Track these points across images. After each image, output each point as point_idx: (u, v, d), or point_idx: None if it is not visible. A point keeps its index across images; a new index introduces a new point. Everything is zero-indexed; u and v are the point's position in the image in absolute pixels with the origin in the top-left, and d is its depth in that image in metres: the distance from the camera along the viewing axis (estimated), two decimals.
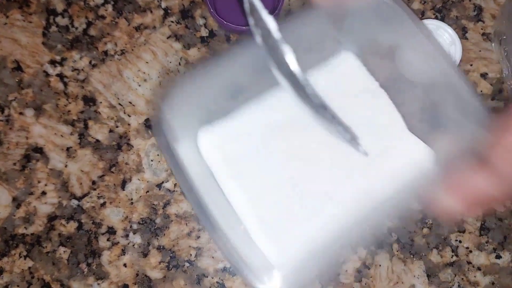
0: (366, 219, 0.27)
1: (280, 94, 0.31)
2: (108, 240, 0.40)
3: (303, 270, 0.24)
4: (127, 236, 0.40)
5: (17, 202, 0.40)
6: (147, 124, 0.42)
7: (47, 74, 0.42)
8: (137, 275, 0.40)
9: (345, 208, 0.28)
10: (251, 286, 0.23)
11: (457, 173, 0.22)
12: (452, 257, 0.41)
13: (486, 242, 0.41)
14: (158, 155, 0.41)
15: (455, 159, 0.23)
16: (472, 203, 0.22)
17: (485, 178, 0.21)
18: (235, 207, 0.28)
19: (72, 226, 0.40)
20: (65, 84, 0.42)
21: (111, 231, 0.40)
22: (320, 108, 0.22)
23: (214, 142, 0.29)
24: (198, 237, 0.40)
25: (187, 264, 0.40)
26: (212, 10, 0.40)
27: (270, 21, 0.20)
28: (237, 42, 0.26)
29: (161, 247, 0.40)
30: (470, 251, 0.41)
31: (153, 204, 0.41)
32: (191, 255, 0.40)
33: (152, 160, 0.41)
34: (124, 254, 0.40)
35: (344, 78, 0.31)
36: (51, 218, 0.40)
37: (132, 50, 0.43)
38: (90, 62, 0.42)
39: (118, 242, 0.40)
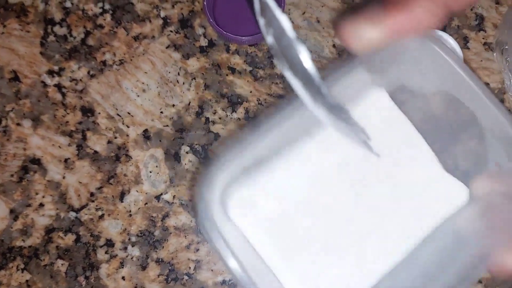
0: (405, 266, 0.27)
1: (307, 148, 0.30)
2: (106, 252, 0.40)
3: None
4: (125, 248, 0.40)
5: (14, 214, 0.40)
6: (146, 135, 0.41)
7: (45, 85, 0.42)
8: None
9: (385, 258, 0.28)
10: None
11: None
12: None
13: None
14: (156, 166, 0.41)
15: (505, 207, 0.23)
16: None
17: None
18: (271, 266, 0.27)
19: (70, 239, 0.40)
20: (63, 95, 0.42)
21: (110, 243, 0.40)
22: (335, 108, 0.21)
23: (246, 211, 0.28)
24: (197, 249, 0.40)
25: (186, 277, 0.40)
26: (211, 20, 0.40)
27: (284, 20, 0.19)
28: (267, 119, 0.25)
29: (160, 260, 0.40)
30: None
31: (152, 216, 0.40)
32: (190, 268, 0.40)
33: (150, 172, 0.41)
34: (122, 267, 0.39)
35: (377, 116, 0.30)
36: (49, 230, 0.40)
37: (131, 60, 0.42)
38: (88, 73, 0.42)
39: (117, 255, 0.40)
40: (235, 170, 0.26)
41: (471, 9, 0.44)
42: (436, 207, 0.30)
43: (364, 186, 0.29)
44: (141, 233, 0.40)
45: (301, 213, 0.28)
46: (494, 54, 0.44)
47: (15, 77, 0.42)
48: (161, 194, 0.41)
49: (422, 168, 0.30)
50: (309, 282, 0.27)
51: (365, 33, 0.19)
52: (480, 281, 0.40)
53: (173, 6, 0.43)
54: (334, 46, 0.43)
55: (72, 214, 0.40)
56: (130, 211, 0.40)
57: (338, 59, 0.43)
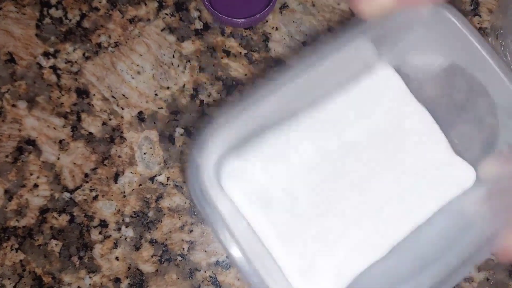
0: (409, 245, 0.26)
1: (308, 122, 0.29)
2: (100, 233, 0.40)
3: None
4: (119, 229, 0.40)
5: (9, 195, 0.40)
6: (140, 117, 0.41)
7: (40, 66, 0.42)
8: (129, 268, 0.39)
9: (384, 236, 0.27)
10: None
11: None
12: None
13: None
14: (151, 148, 0.41)
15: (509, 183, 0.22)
16: None
17: None
18: (265, 242, 0.26)
19: (64, 219, 0.40)
20: (58, 76, 0.42)
21: (103, 224, 0.40)
22: None
23: (243, 182, 0.27)
24: (191, 231, 0.40)
25: (179, 258, 0.40)
26: (206, 3, 0.40)
27: None
28: (267, 84, 0.24)
29: (154, 241, 0.40)
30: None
31: (146, 198, 0.40)
32: (183, 248, 0.40)
33: (145, 153, 0.41)
34: (116, 248, 0.40)
35: (383, 93, 0.29)
36: (43, 210, 0.40)
37: (126, 42, 0.42)
38: (83, 55, 0.42)
39: (110, 236, 0.40)
40: (229, 137, 0.25)
41: None
42: (442, 188, 0.29)
43: (369, 163, 0.28)
44: (135, 214, 0.40)
45: (297, 188, 0.28)
46: (489, 39, 0.44)
47: (11, 59, 0.42)
48: (155, 175, 0.41)
49: (430, 147, 0.29)
50: (303, 259, 0.27)
51: None
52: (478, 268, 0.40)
53: None
54: (329, 30, 0.43)
55: (66, 195, 0.40)
56: (124, 192, 0.40)
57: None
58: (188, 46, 0.42)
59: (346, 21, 0.44)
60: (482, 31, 0.44)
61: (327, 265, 0.27)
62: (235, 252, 0.22)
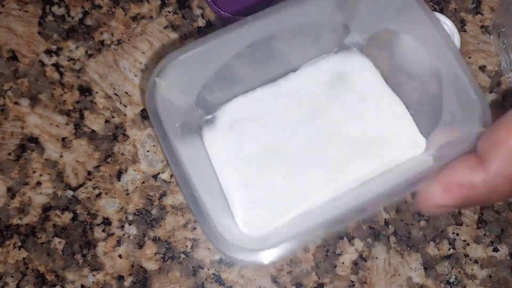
0: (354, 200, 0.27)
1: (281, 85, 0.32)
2: (103, 231, 0.40)
3: (285, 249, 0.24)
4: (122, 227, 0.40)
5: (11, 193, 0.40)
6: (143, 115, 0.41)
7: (43, 64, 0.42)
8: (133, 266, 0.39)
9: (334, 190, 0.29)
10: (232, 259, 0.24)
11: (451, 167, 0.22)
12: (449, 250, 0.40)
13: (484, 235, 0.41)
14: (154, 145, 0.41)
15: (452, 153, 0.23)
16: (461, 199, 0.21)
17: (479, 176, 0.21)
18: (225, 190, 0.29)
19: (67, 217, 0.40)
20: (61, 74, 0.42)
21: (107, 222, 0.40)
22: None
23: (213, 129, 0.30)
24: (194, 228, 0.40)
25: (183, 256, 0.40)
26: (209, 0, 0.40)
27: None
28: (230, 28, 0.26)
29: (157, 239, 0.40)
30: (468, 244, 0.41)
31: (149, 195, 0.40)
32: (187, 246, 0.40)
33: (148, 151, 0.41)
34: (119, 245, 0.40)
35: (349, 71, 0.32)
36: (46, 208, 0.40)
37: (129, 40, 0.42)
38: (86, 52, 0.42)
39: (114, 233, 0.40)
40: (195, 66, 0.27)
41: None
42: (392, 151, 0.31)
43: (326, 119, 0.31)
44: (138, 211, 0.40)
45: (258, 145, 0.30)
46: (491, 37, 0.44)
47: (13, 56, 0.42)
48: (158, 173, 0.41)
49: (386, 110, 0.31)
50: (249, 194, 0.29)
51: None
52: (476, 261, 0.40)
53: None
54: None
55: (69, 193, 0.40)
56: (127, 190, 0.40)
57: None
58: None
59: None
60: (484, 29, 0.44)
61: (268, 203, 0.29)
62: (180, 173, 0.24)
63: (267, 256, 0.23)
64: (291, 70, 0.32)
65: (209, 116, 0.32)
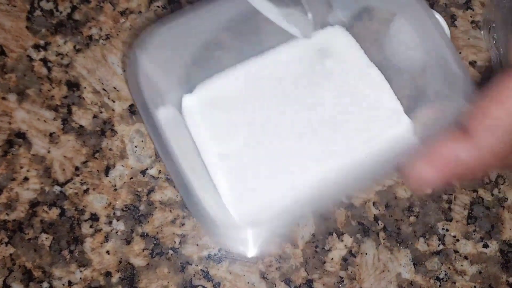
0: (339, 181, 0.27)
1: (263, 61, 0.31)
2: (91, 227, 0.39)
3: (272, 228, 0.24)
4: (110, 223, 0.40)
5: None
6: (132, 110, 0.41)
7: (31, 59, 0.41)
8: (120, 262, 0.39)
9: (319, 169, 0.29)
10: (219, 243, 0.24)
11: (436, 143, 0.22)
12: (438, 246, 0.40)
13: (474, 231, 0.41)
14: (142, 141, 0.41)
15: (437, 129, 0.23)
16: (448, 173, 0.21)
17: (465, 149, 0.21)
18: (209, 169, 0.28)
19: (54, 213, 0.39)
20: (49, 69, 0.41)
21: (94, 217, 0.40)
22: None
23: (195, 105, 0.30)
24: (183, 224, 0.40)
25: (171, 252, 0.39)
26: None
27: None
28: (214, 1, 0.26)
29: (145, 234, 0.40)
30: (457, 240, 0.41)
31: (137, 191, 0.40)
32: (175, 242, 0.40)
33: (136, 146, 0.41)
34: (107, 241, 0.39)
35: (333, 48, 0.31)
36: (33, 204, 0.39)
37: (117, 35, 0.42)
38: (74, 47, 0.42)
39: (101, 229, 0.39)
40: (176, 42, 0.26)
41: None
42: (376, 130, 0.30)
43: (310, 102, 0.30)
44: (126, 207, 0.40)
45: (241, 122, 0.30)
46: (482, 32, 0.44)
47: (1, 51, 0.41)
48: (147, 168, 0.40)
49: (370, 88, 0.31)
50: (239, 183, 0.29)
51: None
52: (466, 257, 0.40)
53: None
54: None
55: (57, 188, 0.40)
56: (115, 185, 0.40)
57: None
58: None
59: None
60: (474, 24, 0.44)
61: (257, 188, 0.29)
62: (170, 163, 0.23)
63: (257, 233, 0.23)
64: (273, 46, 0.32)
65: (190, 93, 0.31)
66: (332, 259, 0.40)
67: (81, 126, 0.41)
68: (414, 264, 0.40)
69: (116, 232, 0.39)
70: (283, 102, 0.30)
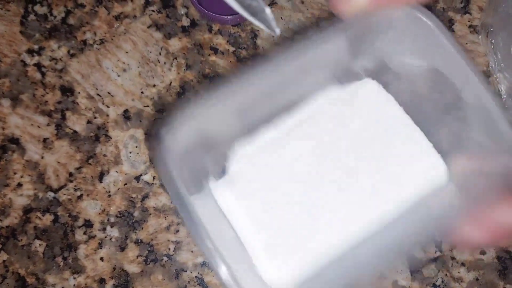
0: (377, 238, 0.26)
1: (293, 121, 0.29)
2: (84, 233, 0.39)
3: None
4: (104, 229, 0.39)
5: None
6: (126, 115, 0.41)
7: (25, 64, 0.41)
8: (114, 269, 0.39)
9: (355, 227, 0.28)
10: None
11: (482, 202, 0.21)
12: (435, 253, 0.40)
13: None
14: (136, 147, 0.40)
15: (482, 187, 0.22)
16: (497, 236, 0.20)
17: None
18: (241, 236, 0.27)
19: (48, 219, 0.39)
20: (43, 74, 0.41)
21: (88, 224, 0.39)
22: None
23: (226, 189, 0.28)
24: (177, 231, 0.40)
25: (165, 258, 0.39)
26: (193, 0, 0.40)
27: None
28: (245, 71, 0.24)
29: (139, 241, 0.39)
30: (454, 247, 0.40)
31: (131, 197, 0.40)
32: (169, 249, 0.39)
33: (130, 152, 0.40)
34: (101, 248, 0.39)
35: (365, 99, 0.30)
36: (27, 210, 0.39)
37: (112, 39, 0.42)
38: (68, 52, 0.41)
39: (95, 236, 0.39)
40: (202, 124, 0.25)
41: None
42: (414, 184, 0.29)
43: (346, 162, 0.29)
44: (120, 213, 0.39)
45: (278, 184, 0.28)
46: (479, 36, 0.44)
47: None
48: (141, 174, 0.40)
49: (405, 144, 0.30)
50: (271, 241, 0.27)
51: None
52: (463, 264, 0.40)
53: None
54: (318, 26, 0.43)
55: (51, 194, 0.39)
56: (109, 191, 0.40)
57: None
58: (175, 43, 0.42)
59: (335, 18, 0.43)
60: (472, 28, 0.44)
61: (293, 248, 0.28)
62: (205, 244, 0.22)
63: None
64: (298, 100, 0.31)
65: (218, 167, 0.29)
66: None
67: (75, 132, 0.40)
68: (411, 271, 0.40)
69: (110, 239, 0.39)
70: (313, 163, 0.28)
